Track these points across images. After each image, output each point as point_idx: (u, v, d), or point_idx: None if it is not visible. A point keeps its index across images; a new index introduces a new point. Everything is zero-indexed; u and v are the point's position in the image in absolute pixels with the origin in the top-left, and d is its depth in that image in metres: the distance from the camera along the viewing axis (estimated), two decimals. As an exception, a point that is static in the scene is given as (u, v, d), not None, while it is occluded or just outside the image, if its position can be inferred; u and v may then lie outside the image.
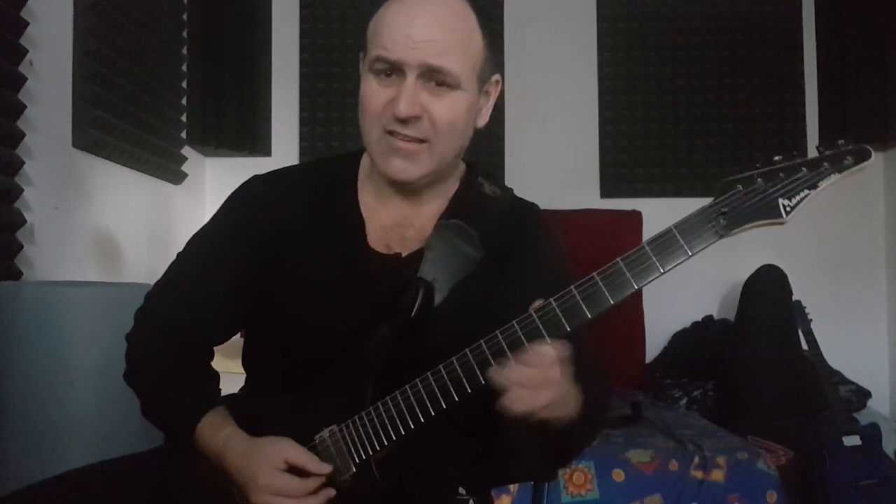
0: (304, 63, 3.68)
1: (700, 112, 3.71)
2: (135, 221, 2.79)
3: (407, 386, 1.00)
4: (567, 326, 0.92)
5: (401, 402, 1.00)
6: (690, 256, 0.90)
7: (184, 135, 3.23)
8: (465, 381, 0.97)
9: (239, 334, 1.26)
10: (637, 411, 2.73)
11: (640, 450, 2.34)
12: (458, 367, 0.97)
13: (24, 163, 1.98)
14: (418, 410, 0.99)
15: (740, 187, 0.89)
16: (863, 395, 3.28)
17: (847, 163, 0.88)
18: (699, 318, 3.62)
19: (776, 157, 0.90)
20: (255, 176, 1.20)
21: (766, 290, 3.18)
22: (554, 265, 1.17)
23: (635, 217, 3.54)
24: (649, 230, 3.38)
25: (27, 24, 2.00)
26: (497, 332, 0.95)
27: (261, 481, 1.00)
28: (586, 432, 1.12)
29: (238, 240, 1.15)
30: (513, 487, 2.18)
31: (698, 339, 3.55)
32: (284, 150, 3.66)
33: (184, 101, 3.21)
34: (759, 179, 0.89)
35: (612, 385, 1.24)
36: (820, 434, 2.64)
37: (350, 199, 1.16)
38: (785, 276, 3.17)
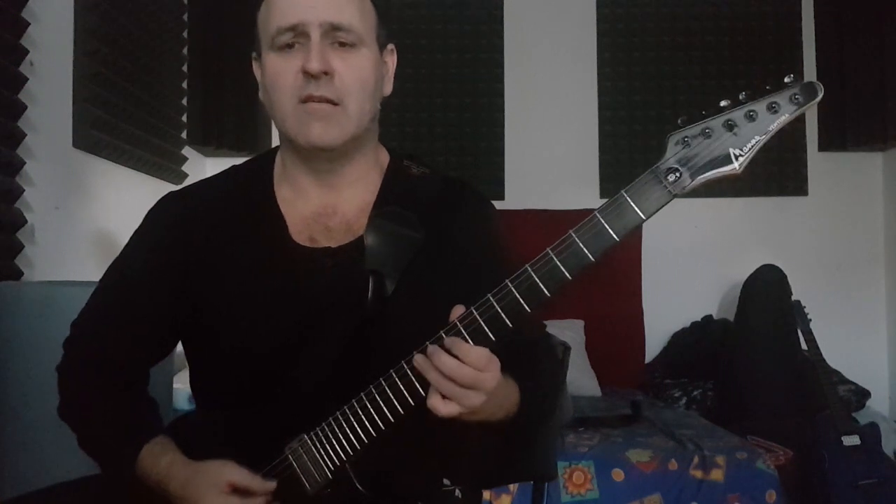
0: (304, 63, 3.68)
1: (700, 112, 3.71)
2: (135, 221, 2.76)
3: (372, 386, 0.96)
4: (527, 307, 0.88)
5: (367, 404, 0.96)
6: (645, 220, 0.87)
7: (184, 135, 3.24)
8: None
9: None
10: (637, 411, 2.73)
11: (640, 449, 2.35)
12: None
13: (24, 163, 1.99)
14: (386, 410, 0.95)
15: (687, 142, 0.87)
16: (862, 394, 3.28)
17: (796, 102, 0.84)
18: (699, 318, 3.63)
19: (723, 103, 0.85)
20: (170, 193, 1.17)
21: (766, 290, 3.18)
22: (496, 238, 1.14)
23: (635, 217, 3.55)
24: (649, 230, 3.40)
25: (28, 24, 2.00)
26: (456, 320, 0.91)
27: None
28: (530, 436, 1.08)
29: (158, 261, 1.12)
30: (512, 487, 2.18)
31: (698, 339, 3.56)
32: (284, 150, 3.65)
33: (184, 101, 3.22)
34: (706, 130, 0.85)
35: (558, 376, 1.19)
36: (819, 434, 2.64)
37: (267, 196, 1.12)
38: (784, 276, 3.18)
